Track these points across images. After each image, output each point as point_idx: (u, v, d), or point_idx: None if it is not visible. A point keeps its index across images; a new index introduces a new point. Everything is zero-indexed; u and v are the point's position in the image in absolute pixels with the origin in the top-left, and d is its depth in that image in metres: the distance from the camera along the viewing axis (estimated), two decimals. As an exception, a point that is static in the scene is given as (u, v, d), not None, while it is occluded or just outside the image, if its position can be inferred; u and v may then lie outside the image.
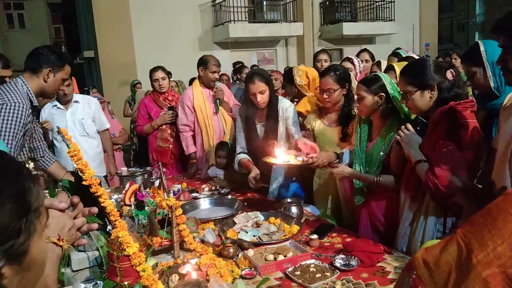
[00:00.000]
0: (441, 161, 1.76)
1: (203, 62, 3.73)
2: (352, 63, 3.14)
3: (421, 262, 0.87)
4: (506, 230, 0.74)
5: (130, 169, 3.27)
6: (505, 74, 1.43)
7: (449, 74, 1.85)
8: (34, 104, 2.37)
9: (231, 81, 6.77)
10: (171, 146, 3.97)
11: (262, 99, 2.74)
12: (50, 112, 3.67)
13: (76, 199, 1.00)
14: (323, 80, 2.60)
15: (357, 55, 4.37)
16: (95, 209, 1.07)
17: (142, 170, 3.23)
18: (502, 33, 1.42)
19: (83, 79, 16.65)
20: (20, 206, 0.62)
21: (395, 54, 3.75)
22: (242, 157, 2.90)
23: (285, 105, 2.86)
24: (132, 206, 2.47)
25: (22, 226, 0.61)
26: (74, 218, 0.98)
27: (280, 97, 2.95)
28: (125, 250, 1.35)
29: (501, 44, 1.42)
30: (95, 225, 1.05)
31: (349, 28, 12.97)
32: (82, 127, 3.69)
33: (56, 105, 3.66)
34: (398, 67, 2.60)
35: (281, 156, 2.41)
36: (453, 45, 29.54)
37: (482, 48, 2.00)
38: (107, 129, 3.89)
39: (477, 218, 0.81)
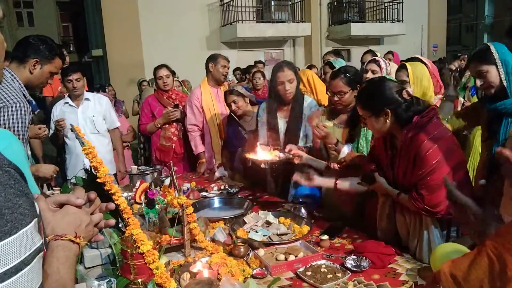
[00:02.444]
0: (426, 183, 1.74)
1: (212, 58, 3.77)
2: (379, 65, 3.04)
3: (448, 277, 0.85)
4: None
5: (140, 168, 3.29)
6: None
7: (405, 94, 1.83)
8: (27, 99, 2.24)
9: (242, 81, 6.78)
10: (174, 145, 3.96)
11: (291, 88, 2.76)
12: (61, 109, 3.70)
13: (93, 194, 0.99)
14: (334, 83, 2.59)
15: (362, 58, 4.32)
16: (112, 205, 1.07)
17: (152, 168, 3.25)
18: None
19: (91, 77, 16.73)
20: None
21: (328, 63, 3.77)
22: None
23: (312, 104, 2.89)
24: (143, 204, 2.48)
25: None
26: (91, 214, 0.98)
27: (306, 96, 2.97)
28: (139, 247, 1.36)
29: None
30: (112, 221, 1.06)
31: (357, 29, 12.94)
32: (93, 124, 3.72)
33: (67, 102, 3.69)
34: (411, 66, 2.59)
35: (262, 153, 2.47)
36: (462, 46, 29.36)
37: (493, 49, 2.00)
38: (117, 128, 3.92)
39: (506, 229, 0.80)
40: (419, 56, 3.10)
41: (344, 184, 2.22)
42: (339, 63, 3.76)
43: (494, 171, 1.89)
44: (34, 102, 4.47)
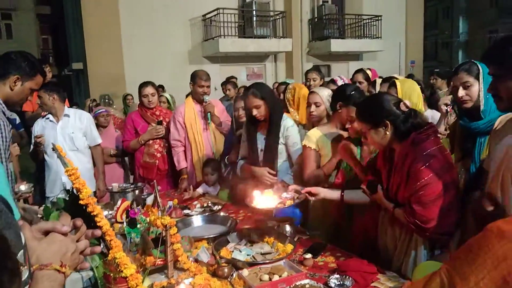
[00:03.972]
0: (418, 199, 1.78)
1: (192, 77, 3.81)
2: (336, 84, 3.20)
3: None
4: (486, 266, 0.77)
5: (121, 185, 3.25)
6: (497, 101, 1.48)
7: (402, 106, 1.90)
8: (6, 116, 2.21)
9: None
10: (157, 161, 3.92)
11: (258, 113, 2.84)
12: (42, 125, 3.65)
13: (79, 221, 0.99)
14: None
15: (353, 76, 4.42)
16: (98, 232, 1.06)
17: (133, 186, 3.21)
18: (492, 62, 1.48)
19: (71, 91, 16.51)
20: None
21: (282, 83, 3.92)
22: (244, 161, 3.05)
23: (288, 124, 2.93)
24: (124, 223, 2.45)
25: None
26: (77, 241, 0.97)
27: (285, 115, 3.02)
28: (122, 271, 1.34)
29: (491, 73, 1.47)
30: (99, 248, 1.04)
31: (337, 45, 13.17)
32: (72, 141, 3.67)
33: (48, 118, 3.64)
34: (401, 83, 2.64)
35: (265, 201, 2.37)
36: (438, 62, 30.28)
37: (479, 67, 2.06)
38: (99, 144, 3.86)
39: (459, 254, 0.84)
40: (395, 75, 3.22)
41: (349, 195, 2.27)
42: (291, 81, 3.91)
43: (472, 190, 1.93)
44: (18, 121, 4.40)
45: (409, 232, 1.92)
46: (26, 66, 2.22)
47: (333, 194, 2.31)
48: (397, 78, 3.04)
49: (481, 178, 1.80)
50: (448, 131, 2.40)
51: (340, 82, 3.24)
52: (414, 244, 1.90)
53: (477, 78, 2.04)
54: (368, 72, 5.58)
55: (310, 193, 2.29)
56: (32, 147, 3.67)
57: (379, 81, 3.71)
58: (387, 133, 1.90)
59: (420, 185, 1.76)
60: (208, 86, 3.78)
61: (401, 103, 1.92)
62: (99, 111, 4.40)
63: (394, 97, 2.05)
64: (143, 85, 3.96)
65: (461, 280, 0.79)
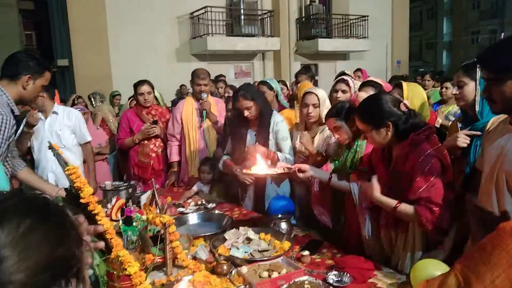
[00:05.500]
0: (431, 199, 1.77)
1: (192, 75, 3.83)
2: (348, 84, 3.10)
3: None
4: (501, 263, 0.79)
5: (113, 183, 3.23)
6: (490, 104, 1.51)
7: (402, 107, 1.91)
8: (15, 114, 2.27)
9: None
10: (152, 161, 3.91)
11: (250, 113, 2.92)
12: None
13: (81, 218, 0.99)
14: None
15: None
16: (100, 227, 1.07)
17: (126, 184, 3.19)
18: (484, 66, 1.51)
19: (56, 88, 16.21)
20: (78, 234, 0.69)
21: (262, 82, 3.97)
22: (227, 157, 3.16)
23: (277, 119, 2.99)
24: (120, 221, 2.43)
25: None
26: None
27: (274, 111, 3.08)
28: (125, 269, 1.34)
29: (484, 77, 1.50)
30: (102, 244, 1.04)
31: (324, 44, 13.24)
32: (59, 139, 3.61)
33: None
34: (407, 86, 2.65)
35: (261, 167, 2.36)
36: (422, 62, 30.77)
37: (478, 69, 2.04)
38: (89, 142, 3.82)
39: (472, 253, 0.86)
40: (373, 78, 3.16)
41: (337, 180, 2.26)
42: (274, 83, 3.92)
43: (467, 190, 1.96)
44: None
45: (405, 232, 1.94)
46: (35, 65, 2.30)
47: (322, 174, 2.31)
48: (375, 81, 2.98)
49: (475, 178, 1.84)
50: None
51: (351, 84, 3.11)
52: (412, 247, 1.92)
53: (474, 78, 2.06)
54: (359, 72, 5.63)
55: (299, 170, 2.26)
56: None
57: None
58: (389, 133, 1.91)
59: (429, 186, 1.76)
60: (206, 85, 3.77)
61: (401, 103, 1.93)
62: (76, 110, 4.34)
63: (392, 97, 2.05)
64: (140, 83, 3.92)
65: (476, 279, 0.81)
